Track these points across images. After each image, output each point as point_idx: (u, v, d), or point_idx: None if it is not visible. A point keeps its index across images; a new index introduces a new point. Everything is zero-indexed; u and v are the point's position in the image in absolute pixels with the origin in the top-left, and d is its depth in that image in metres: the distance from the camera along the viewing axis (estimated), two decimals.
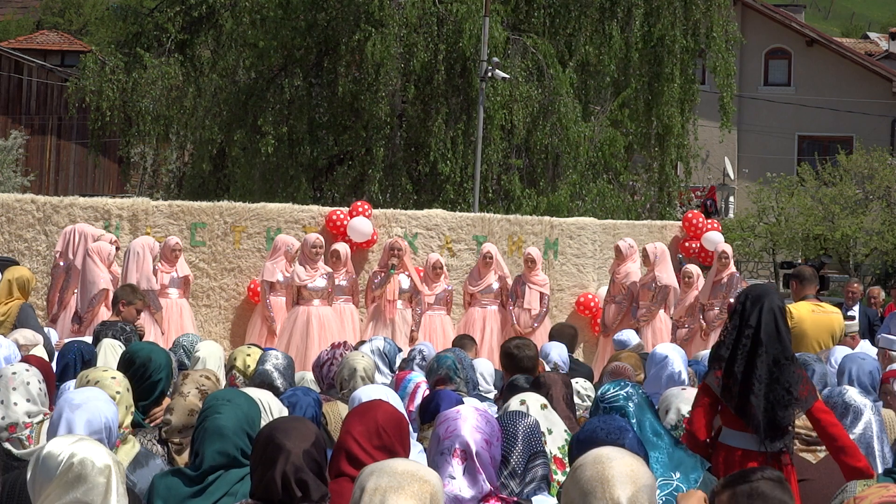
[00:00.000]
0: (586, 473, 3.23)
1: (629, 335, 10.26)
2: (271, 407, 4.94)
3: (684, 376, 6.82)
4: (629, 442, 4.12)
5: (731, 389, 5.22)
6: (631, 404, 4.86)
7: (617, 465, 3.23)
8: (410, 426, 4.82)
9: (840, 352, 7.68)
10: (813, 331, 8.90)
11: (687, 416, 5.39)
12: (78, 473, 3.42)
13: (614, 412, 4.88)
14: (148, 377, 5.78)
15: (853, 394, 6.08)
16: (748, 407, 5.15)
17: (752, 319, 5.27)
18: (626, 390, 4.92)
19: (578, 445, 4.14)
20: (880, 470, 5.51)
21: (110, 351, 7.05)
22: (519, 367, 6.80)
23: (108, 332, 7.97)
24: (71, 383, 6.17)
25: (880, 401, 6.51)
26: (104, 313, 10.76)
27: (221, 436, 4.23)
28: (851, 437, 5.76)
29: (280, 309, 12.10)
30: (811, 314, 8.97)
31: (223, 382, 6.39)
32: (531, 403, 4.72)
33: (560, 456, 4.63)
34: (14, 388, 5.12)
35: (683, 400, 5.53)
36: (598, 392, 5.14)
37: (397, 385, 6.60)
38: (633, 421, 4.77)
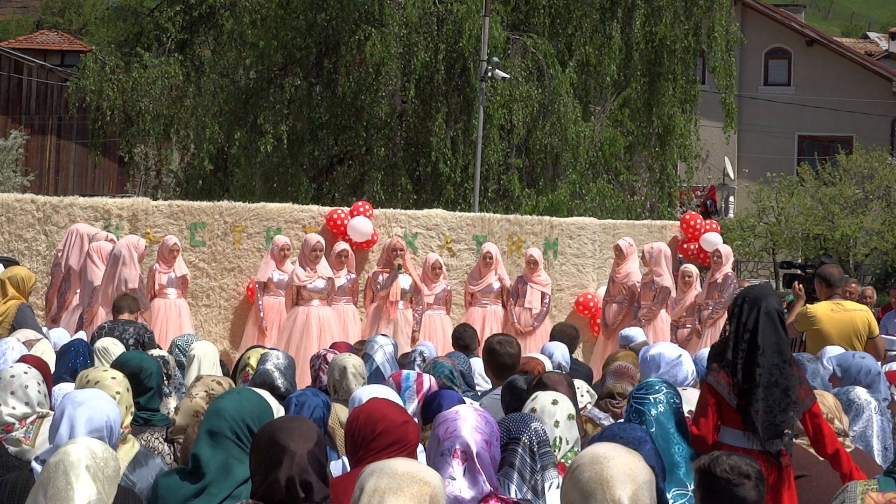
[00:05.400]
0: (585, 475, 3.23)
1: (636, 332, 10.20)
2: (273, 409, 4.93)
3: (686, 374, 6.79)
4: (646, 453, 4.15)
5: (735, 391, 5.21)
6: (655, 410, 4.93)
7: (615, 464, 3.23)
8: None
9: (832, 351, 7.46)
10: (834, 330, 8.61)
11: (688, 415, 5.39)
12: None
13: (636, 413, 4.94)
14: (139, 386, 5.76)
15: (858, 392, 6.09)
16: (749, 411, 5.14)
17: (749, 323, 5.22)
18: (659, 395, 5.00)
19: None
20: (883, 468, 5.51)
21: (104, 354, 7.01)
22: (498, 364, 6.73)
23: (129, 329, 7.90)
24: (66, 384, 6.18)
25: (887, 399, 6.51)
26: (102, 312, 10.73)
27: (218, 415, 4.21)
28: (851, 433, 5.78)
29: (272, 309, 12.06)
30: (830, 313, 8.70)
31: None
32: (561, 409, 4.74)
33: (564, 462, 4.65)
34: (12, 393, 5.14)
35: (685, 400, 5.53)
36: (636, 386, 5.27)
37: (397, 385, 6.56)
38: (653, 430, 4.83)
